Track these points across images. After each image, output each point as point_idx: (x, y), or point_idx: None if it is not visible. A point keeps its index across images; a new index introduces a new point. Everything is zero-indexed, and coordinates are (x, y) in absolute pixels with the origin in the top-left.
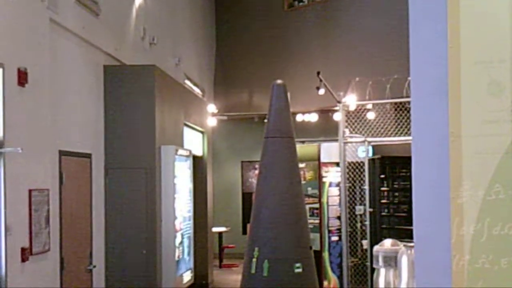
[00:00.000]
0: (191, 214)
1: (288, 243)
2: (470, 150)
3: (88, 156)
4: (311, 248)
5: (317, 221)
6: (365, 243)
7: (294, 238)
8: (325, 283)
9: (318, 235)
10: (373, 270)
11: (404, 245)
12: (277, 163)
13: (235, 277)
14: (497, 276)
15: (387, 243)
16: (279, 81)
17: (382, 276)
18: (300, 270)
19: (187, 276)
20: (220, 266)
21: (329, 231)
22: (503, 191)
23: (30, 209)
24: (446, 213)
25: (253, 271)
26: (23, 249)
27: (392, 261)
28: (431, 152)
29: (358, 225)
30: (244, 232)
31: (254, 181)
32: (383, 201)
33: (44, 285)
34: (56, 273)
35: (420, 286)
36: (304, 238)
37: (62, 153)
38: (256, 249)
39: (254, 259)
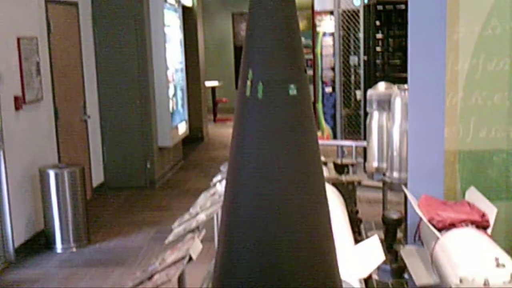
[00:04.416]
0: (183, 66)
1: (282, 63)
2: None
3: (75, 4)
4: (305, 71)
5: (311, 72)
6: (359, 93)
7: (288, 58)
8: (319, 133)
9: (311, 86)
10: (366, 117)
11: (398, 87)
12: None
13: (229, 130)
14: (489, 112)
15: (381, 86)
16: None
17: (375, 119)
18: (295, 92)
19: (182, 128)
20: (214, 120)
21: (323, 82)
22: (500, 26)
23: (20, 58)
24: (441, 50)
25: (247, 93)
26: (16, 98)
27: (385, 104)
28: None
29: (352, 76)
30: (237, 86)
31: None
32: (377, 49)
33: (40, 134)
34: (51, 122)
35: (413, 126)
36: (298, 59)
37: (47, 1)
38: (250, 71)
39: (248, 82)
